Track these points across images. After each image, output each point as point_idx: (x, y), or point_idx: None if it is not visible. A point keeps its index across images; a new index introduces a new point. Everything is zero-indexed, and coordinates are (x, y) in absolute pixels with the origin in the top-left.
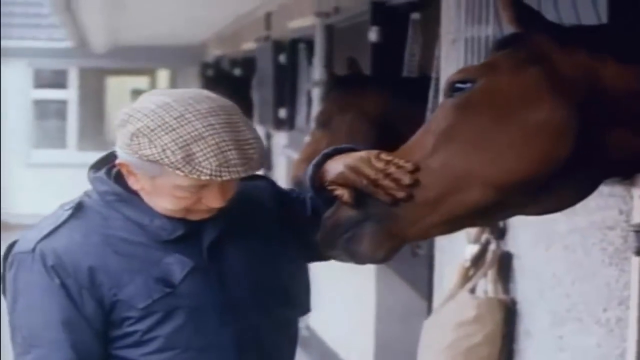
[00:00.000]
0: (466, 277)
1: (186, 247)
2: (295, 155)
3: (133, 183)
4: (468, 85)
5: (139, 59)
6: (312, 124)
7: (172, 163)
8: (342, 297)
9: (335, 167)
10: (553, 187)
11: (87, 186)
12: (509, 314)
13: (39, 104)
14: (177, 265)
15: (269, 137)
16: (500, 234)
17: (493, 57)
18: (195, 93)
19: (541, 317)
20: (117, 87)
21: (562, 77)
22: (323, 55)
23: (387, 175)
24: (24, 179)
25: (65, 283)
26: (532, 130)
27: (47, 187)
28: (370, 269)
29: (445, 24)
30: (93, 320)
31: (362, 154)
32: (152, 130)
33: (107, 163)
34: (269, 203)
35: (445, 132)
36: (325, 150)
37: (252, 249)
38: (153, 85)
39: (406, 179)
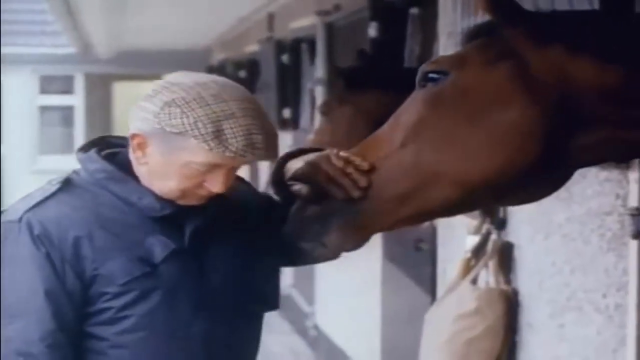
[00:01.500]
0: (467, 269)
1: (170, 231)
2: None
3: (139, 157)
4: (441, 76)
5: (144, 64)
6: (316, 123)
7: (201, 135)
8: (348, 295)
9: (296, 164)
10: (524, 184)
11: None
12: (510, 305)
13: (45, 110)
14: (158, 246)
15: None
16: (501, 224)
17: (466, 48)
18: (227, 80)
19: (542, 307)
20: (124, 92)
21: (533, 77)
22: (324, 54)
23: (345, 174)
24: (29, 185)
25: (50, 253)
26: (500, 131)
27: None
28: (375, 266)
29: (442, 18)
30: (72, 293)
31: (324, 152)
32: (187, 103)
33: (95, 146)
34: (249, 204)
35: (415, 127)
36: (289, 150)
37: (232, 244)
38: None
39: (362, 181)
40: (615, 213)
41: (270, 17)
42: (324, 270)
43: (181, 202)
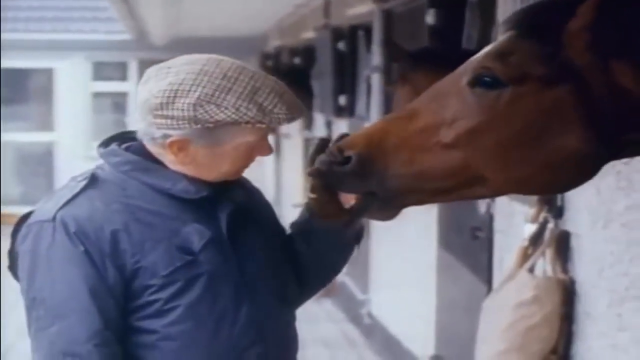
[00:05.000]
0: (525, 257)
1: (203, 219)
2: None
3: (183, 158)
4: (494, 82)
5: (199, 51)
6: (372, 111)
7: (251, 118)
8: (403, 283)
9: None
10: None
11: None
12: (568, 294)
13: (99, 96)
14: (195, 235)
15: (329, 124)
16: (559, 212)
17: (525, 60)
18: (207, 55)
19: (600, 296)
20: None
21: (595, 100)
22: (382, 41)
23: None
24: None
25: (89, 250)
26: (557, 157)
27: None
28: (431, 254)
29: (501, 5)
30: (114, 289)
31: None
32: (212, 95)
33: (115, 141)
34: (265, 200)
35: (468, 132)
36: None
37: (262, 231)
38: None
39: None
40: None
41: (327, 4)
42: (378, 258)
43: (233, 177)
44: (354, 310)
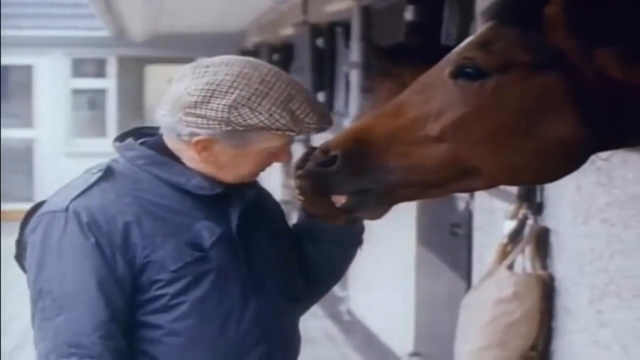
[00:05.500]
0: (504, 254)
1: (214, 216)
2: None
3: (205, 158)
4: (476, 72)
5: (178, 48)
6: (351, 107)
7: (283, 125)
8: (382, 280)
9: None
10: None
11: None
12: (548, 290)
13: (78, 93)
14: (206, 231)
15: None
16: (538, 209)
17: (505, 40)
18: (245, 58)
19: (580, 293)
20: (157, 75)
21: (584, 87)
22: (360, 37)
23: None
24: (63, 168)
25: (100, 242)
26: (547, 145)
27: None
28: (410, 251)
29: (480, 1)
30: (122, 281)
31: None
32: (249, 99)
33: (130, 136)
34: (275, 200)
35: (454, 124)
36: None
37: (272, 231)
38: None
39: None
40: None
41: (306, 1)
42: (357, 255)
43: (248, 180)
44: (332, 307)
